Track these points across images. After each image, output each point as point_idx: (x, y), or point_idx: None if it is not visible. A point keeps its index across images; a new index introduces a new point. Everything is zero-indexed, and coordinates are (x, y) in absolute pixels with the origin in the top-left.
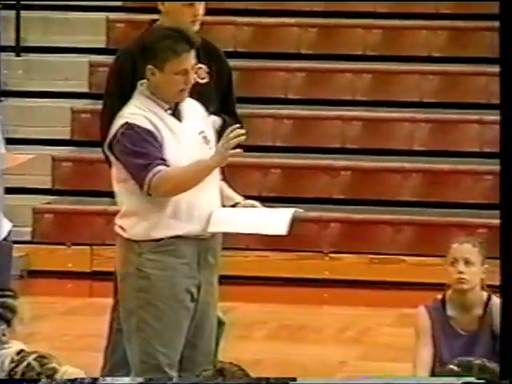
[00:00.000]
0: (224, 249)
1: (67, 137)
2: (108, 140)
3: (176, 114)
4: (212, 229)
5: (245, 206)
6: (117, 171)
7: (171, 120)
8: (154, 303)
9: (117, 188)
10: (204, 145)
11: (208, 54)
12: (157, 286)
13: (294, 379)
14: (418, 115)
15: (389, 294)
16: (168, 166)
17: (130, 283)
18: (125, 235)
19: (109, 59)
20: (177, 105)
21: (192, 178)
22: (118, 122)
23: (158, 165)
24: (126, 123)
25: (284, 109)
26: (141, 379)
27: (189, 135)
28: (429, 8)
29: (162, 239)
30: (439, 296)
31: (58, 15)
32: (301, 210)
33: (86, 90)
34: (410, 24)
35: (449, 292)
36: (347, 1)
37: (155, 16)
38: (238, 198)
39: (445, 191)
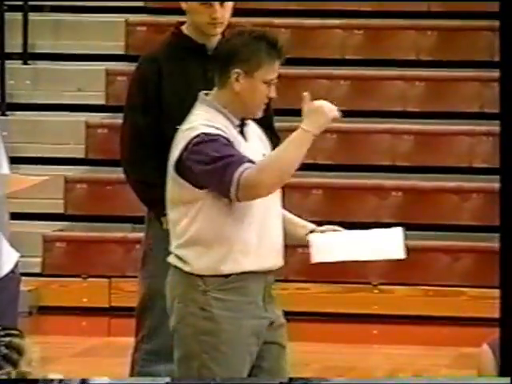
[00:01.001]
0: None
1: (81, 155)
2: (175, 158)
3: (243, 131)
4: (318, 259)
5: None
6: (181, 192)
7: (240, 139)
8: (219, 348)
9: (178, 213)
10: None
11: None
12: (224, 328)
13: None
14: (478, 127)
15: (446, 331)
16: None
17: (193, 324)
18: (186, 268)
19: (128, 67)
20: (243, 122)
21: (291, 156)
22: (189, 134)
23: (247, 162)
24: (202, 133)
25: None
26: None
27: (254, 156)
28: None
29: (230, 275)
30: None
31: (70, 17)
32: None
33: (102, 102)
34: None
35: None
36: (397, 0)
37: (180, 18)
38: (311, 225)
39: None
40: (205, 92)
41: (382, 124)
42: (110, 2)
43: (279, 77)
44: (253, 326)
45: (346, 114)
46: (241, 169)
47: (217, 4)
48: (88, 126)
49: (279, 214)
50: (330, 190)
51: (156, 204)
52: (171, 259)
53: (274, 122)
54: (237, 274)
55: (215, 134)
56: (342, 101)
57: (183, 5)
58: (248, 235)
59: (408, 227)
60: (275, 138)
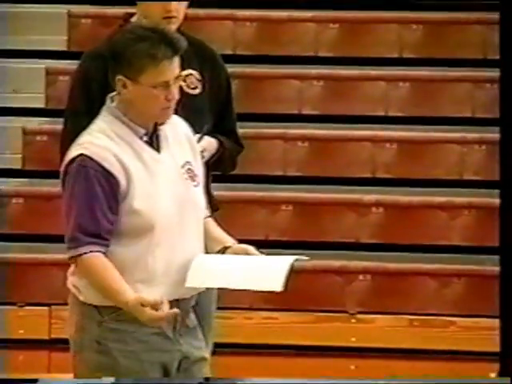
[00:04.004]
0: (220, 309)
1: (18, 166)
2: (61, 170)
3: (153, 140)
4: (190, 283)
5: (235, 253)
6: None
7: (147, 151)
8: None
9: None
10: (188, 181)
11: (200, 57)
12: (121, 363)
13: None
14: (470, 135)
15: (434, 366)
16: (107, 240)
17: (89, 359)
18: (80, 297)
19: (71, 65)
20: (155, 128)
21: (103, 295)
22: (74, 150)
23: (91, 243)
24: (81, 155)
25: (297, 128)
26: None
27: (169, 170)
28: None
29: None
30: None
31: (3, 8)
32: (305, 258)
33: (41, 105)
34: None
35: None
36: None
37: (129, 9)
38: (229, 241)
39: None
40: (112, 95)
41: (361, 131)
42: None
43: (244, 77)
44: (157, 360)
45: (320, 118)
46: (80, 250)
47: None
48: (25, 132)
49: (199, 234)
50: (302, 205)
51: None
52: (68, 283)
53: (237, 128)
54: None
55: (96, 162)
56: (314, 104)
57: None
58: (152, 262)
59: (391, 248)
60: (238, 146)
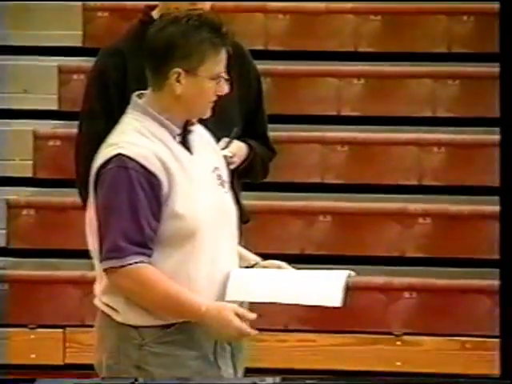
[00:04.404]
0: None
1: (28, 174)
2: (92, 176)
3: (185, 142)
4: (231, 297)
5: (265, 268)
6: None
7: (182, 152)
8: None
9: (97, 245)
10: (220, 187)
11: (229, 54)
12: None
13: None
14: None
15: None
16: (151, 250)
17: None
18: (117, 318)
19: (86, 63)
20: (185, 129)
21: (164, 309)
22: (107, 150)
23: (138, 253)
24: (119, 155)
25: (336, 130)
26: None
27: (203, 173)
28: None
29: (171, 325)
30: None
31: (13, 2)
32: (353, 274)
33: (54, 106)
34: None
35: None
36: None
37: (149, 1)
38: (255, 258)
39: None
40: (138, 93)
41: (406, 133)
42: None
43: (277, 74)
44: None
45: (360, 120)
46: (123, 262)
47: None
48: (36, 136)
49: (234, 244)
50: (341, 215)
51: None
52: (98, 303)
53: (269, 131)
54: (180, 324)
55: (139, 163)
56: (354, 104)
57: None
58: (194, 272)
59: (438, 263)
60: (270, 151)
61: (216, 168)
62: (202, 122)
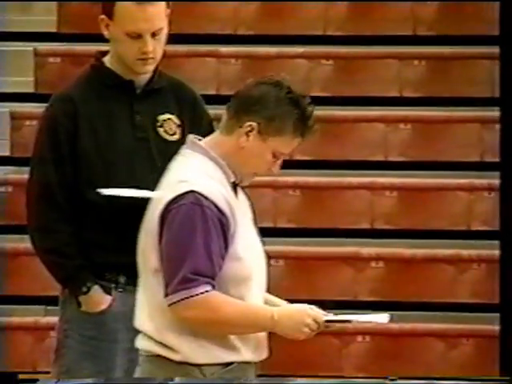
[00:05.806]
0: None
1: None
2: (159, 211)
3: (235, 189)
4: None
5: None
6: (156, 254)
7: (233, 197)
8: None
9: (158, 284)
10: (256, 233)
11: (179, 99)
12: None
13: None
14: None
15: None
16: (215, 285)
17: None
18: (175, 357)
19: (38, 109)
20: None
21: (241, 326)
22: (178, 186)
23: (207, 283)
24: (192, 192)
25: (290, 175)
26: None
27: (248, 218)
28: None
29: (231, 363)
30: None
31: None
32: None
33: (5, 153)
34: None
35: None
36: None
37: (101, 46)
38: (281, 302)
39: None
40: (196, 136)
41: (466, 112)
42: (16, 27)
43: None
44: None
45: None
46: (191, 292)
47: (147, 35)
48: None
49: (264, 288)
50: (392, 261)
51: (72, 279)
52: (146, 346)
53: None
54: (238, 363)
55: (211, 201)
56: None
57: (105, 31)
58: None
59: (390, 306)
60: None
61: (250, 214)
62: None
